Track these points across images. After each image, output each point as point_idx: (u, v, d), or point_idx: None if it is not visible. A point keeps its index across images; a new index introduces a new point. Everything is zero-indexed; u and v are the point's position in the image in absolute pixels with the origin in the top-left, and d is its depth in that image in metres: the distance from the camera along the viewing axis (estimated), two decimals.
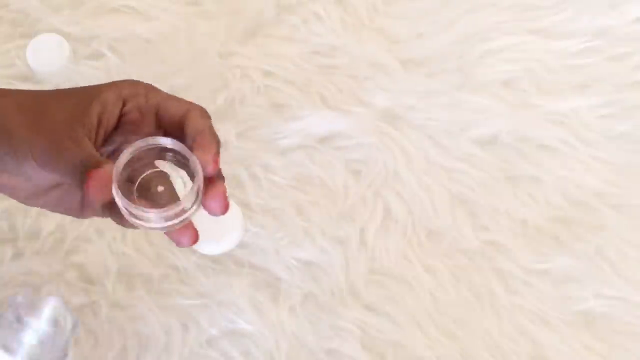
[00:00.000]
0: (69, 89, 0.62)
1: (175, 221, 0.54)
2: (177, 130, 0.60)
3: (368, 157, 0.82)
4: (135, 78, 0.80)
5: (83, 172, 0.55)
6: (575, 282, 0.76)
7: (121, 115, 0.60)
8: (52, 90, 0.61)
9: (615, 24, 0.90)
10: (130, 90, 0.61)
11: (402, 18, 0.90)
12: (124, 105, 0.61)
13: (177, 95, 0.87)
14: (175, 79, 0.85)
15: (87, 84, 0.80)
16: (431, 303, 0.75)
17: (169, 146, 0.56)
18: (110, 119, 0.60)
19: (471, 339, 0.73)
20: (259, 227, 0.77)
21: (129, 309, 0.73)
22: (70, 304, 0.74)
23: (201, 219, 0.74)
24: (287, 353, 0.72)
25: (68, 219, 0.77)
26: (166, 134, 0.60)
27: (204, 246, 0.75)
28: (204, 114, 0.62)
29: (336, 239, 0.78)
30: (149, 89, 0.62)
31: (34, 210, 0.77)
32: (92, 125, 0.59)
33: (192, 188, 0.55)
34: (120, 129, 0.60)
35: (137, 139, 0.55)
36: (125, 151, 0.54)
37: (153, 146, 0.56)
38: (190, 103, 0.62)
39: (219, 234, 0.76)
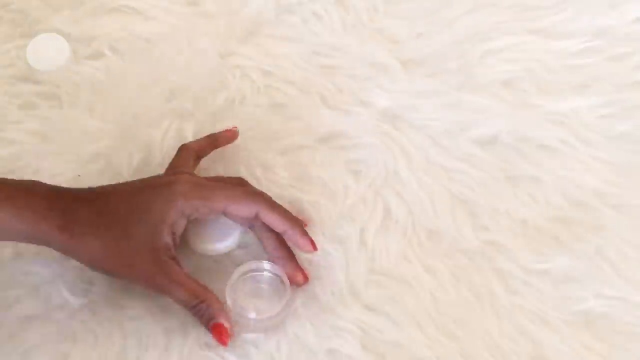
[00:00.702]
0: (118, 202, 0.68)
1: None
2: (249, 222, 0.72)
3: (368, 157, 0.82)
4: (135, 78, 0.81)
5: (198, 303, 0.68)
6: (575, 282, 0.76)
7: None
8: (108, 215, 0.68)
9: (615, 24, 0.90)
10: (191, 206, 0.68)
11: (402, 18, 0.90)
12: (188, 218, 0.69)
13: (178, 95, 0.87)
14: (175, 79, 0.85)
15: (87, 84, 0.82)
16: (431, 303, 0.75)
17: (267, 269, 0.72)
18: (179, 232, 0.69)
19: (471, 339, 0.73)
20: None
21: (129, 309, 0.73)
22: (70, 304, 0.74)
23: (201, 219, 0.73)
24: (287, 353, 0.72)
25: None
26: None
27: (204, 246, 0.75)
28: (274, 207, 0.71)
29: (336, 239, 0.77)
30: (207, 198, 0.69)
31: None
32: (170, 246, 0.68)
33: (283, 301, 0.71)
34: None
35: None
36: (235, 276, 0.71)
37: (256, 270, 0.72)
38: (257, 200, 0.70)
39: (218, 234, 0.76)
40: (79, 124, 0.83)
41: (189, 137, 0.82)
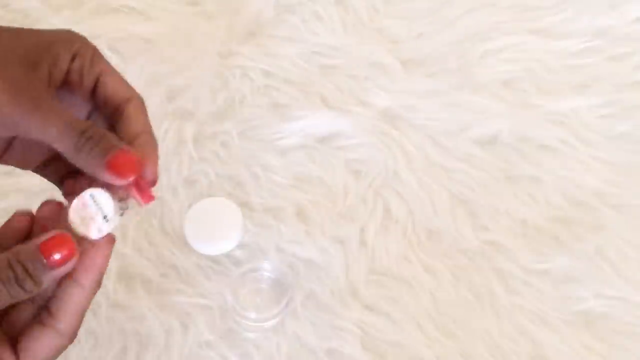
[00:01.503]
0: (14, 29, 0.54)
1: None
2: (111, 113, 0.55)
3: (368, 157, 0.82)
4: (135, 78, 0.80)
5: (83, 140, 0.49)
6: (575, 282, 0.76)
7: (67, 72, 0.54)
8: None
9: (615, 24, 0.90)
10: (79, 47, 0.54)
11: (402, 18, 0.90)
12: (71, 61, 0.54)
13: (178, 95, 0.87)
14: (175, 79, 0.85)
15: None
16: (431, 303, 0.75)
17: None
18: (58, 76, 0.54)
19: (471, 339, 0.73)
20: (259, 227, 0.77)
21: (129, 309, 0.73)
22: None
23: (200, 218, 0.74)
24: (287, 353, 0.72)
25: None
26: (99, 109, 0.55)
27: (204, 246, 0.75)
28: (144, 108, 0.55)
29: (336, 239, 0.77)
30: (95, 53, 0.55)
31: (34, 210, 0.77)
32: (44, 77, 0.52)
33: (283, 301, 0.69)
34: (60, 90, 0.54)
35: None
36: None
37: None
38: (131, 89, 0.55)
39: (218, 234, 0.76)
40: None
41: (189, 137, 0.82)
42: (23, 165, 0.56)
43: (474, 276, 0.76)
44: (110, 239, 0.52)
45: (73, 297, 0.51)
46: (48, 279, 0.49)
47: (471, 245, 0.78)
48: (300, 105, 0.85)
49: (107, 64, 0.55)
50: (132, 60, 0.87)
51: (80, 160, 0.50)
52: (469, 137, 0.83)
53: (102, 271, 0.52)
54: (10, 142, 0.55)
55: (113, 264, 0.76)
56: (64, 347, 0.51)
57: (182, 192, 0.79)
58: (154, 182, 0.52)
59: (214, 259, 0.76)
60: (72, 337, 0.51)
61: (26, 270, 0.48)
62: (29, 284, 0.48)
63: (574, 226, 0.79)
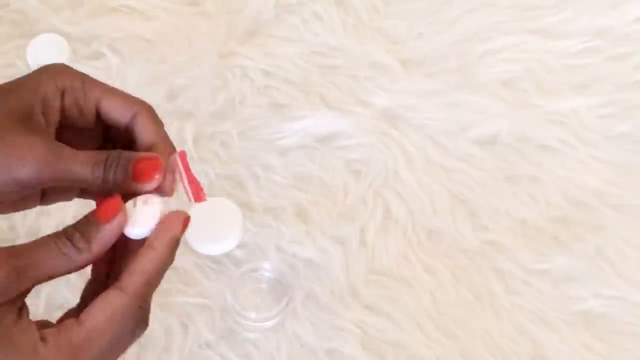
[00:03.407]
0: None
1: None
2: (123, 135, 0.55)
3: (368, 157, 0.82)
4: (135, 78, 0.80)
5: (104, 170, 0.52)
6: (575, 282, 0.76)
7: (62, 110, 0.54)
8: None
9: (615, 24, 0.90)
10: (64, 81, 0.54)
11: (402, 18, 0.90)
12: (62, 98, 0.54)
13: (178, 95, 0.87)
14: (175, 79, 0.85)
15: None
16: (431, 303, 0.75)
17: None
18: (54, 118, 0.54)
19: (471, 339, 0.73)
20: (259, 227, 0.77)
21: None
22: (70, 304, 0.74)
23: (200, 218, 0.73)
24: (287, 353, 0.72)
25: (69, 218, 0.77)
26: (109, 136, 0.56)
27: (204, 246, 0.75)
28: (152, 116, 0.56)
29: (336, 239, 0.77)
30: (85, 80, 0.54)
31: (34, 210, 0.77)
32: (41, 126, 0.53)
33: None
34: (64, 128, 0.54)
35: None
36: None
37: None
38: (135, 103, 0.55)
39: (218, 234, 0.75)
40: None
41: (189, 137, 0.82)
42: (65, 199, 0.58)
43: (474, 276, 0.76)
44: (185, 214, 0.56)
45: (141, 257, 0.51)
46: (98, 236, 0.50)
47: (471, 245, 0.78)
48: (300, 105, 0.85)
49: (101, 86, 0.55)
50: (132, 60, 0.87)
51: (109, 187, 0.52)
52: (469, 137, 0.83)
53: (175, 237, 0.54)
54: (43, 192, 0.57)
55: None
56: (128, 308, 0.51)
57: (182, 191, 0.79)
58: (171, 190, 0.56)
59: (214, 259, 0.76)
60: (138, 297, 0.51)
61: (75, 227, 0.50)
62: (79, 241, 0.50)
63: (574, 226, 0.79)
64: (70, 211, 0.78)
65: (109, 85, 0.55)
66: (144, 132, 0.55)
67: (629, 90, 0.86)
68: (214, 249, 0.76)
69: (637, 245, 0.78)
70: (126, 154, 0.53)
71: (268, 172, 0.81)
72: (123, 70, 0.86)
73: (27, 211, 0.77)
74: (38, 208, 0.78)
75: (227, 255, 0.75)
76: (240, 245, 0.76)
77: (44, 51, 0.85)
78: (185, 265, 0.75)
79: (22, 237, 0.77)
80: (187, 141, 0.82)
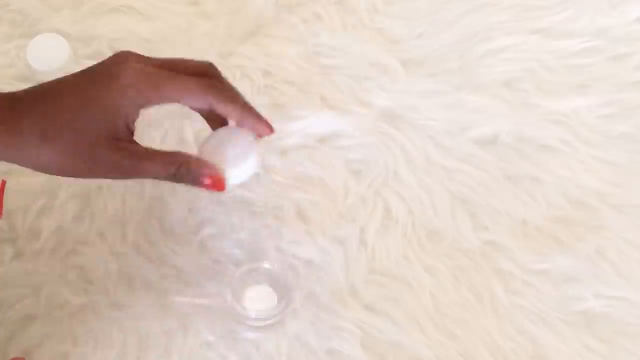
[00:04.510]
0: (62, 95, 0.63)
1: None
2: (206, 112, 0.68)
3: (368, 157, 0.82)
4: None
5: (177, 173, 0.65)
6: (575, 282, 0.76)
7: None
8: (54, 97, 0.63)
9: (616, 24, 0.90)
10: (142, 97, 0.64)
11: (402, 18, 0.90)
12: (142, 106, 0.65)
13: None
14: None
15: None
16: (431, 303, 0.75)
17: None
18: (134, 121, 0.65)
19: (471, 339, 0.73)
20: (259, 227, 0.77)
21: (129, 309, 0.73)
22: (70, 304, 0.74)
23: (219, 150, 0.69)
24: (287, 353, 0.72)
25: (69, 219, 0.77)
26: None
27: (229, 175, 0.71)
28: (226, 97, 0.66)
29: (336, 239, 0.77)
30: (158, 86, 0.64)
31: (34, 210, 0.77)
32: (128, 136, 0.65)
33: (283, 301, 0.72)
34: None
35: None
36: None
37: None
38: (208, 88, 0.66)
39: (234, 159, 0.71)
40: None
41: (189, 137, 0.82)
42: None
43: (474, 276, 0.76)
44: None
45: None
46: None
47: (471, 245, 0.78)
48: (300, 105, 0.85)
49: (173, 84, 0.65)
50: None
51: (178, 183, 0.66)
52: (469, 137, 0.83)
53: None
54: None
55: (113, 264, 0.76)
56: None
57: (182, 192, 0.79)
58: (271, 130, 0.68)
59: (213, 259, 0.76)
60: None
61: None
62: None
63: (574, 226, 0.79)
64: (70, 212, 0.78)
65: (181, 82, 0.65)
66: (226, 115, 0.67)
67: (629, 90, 0.86)
68: (239, 175, 0.71)
69: (637, 245, 0.78)
70: (195, 170, 0.65)
71: (268, 172, 0.81)
72: None
73: (28, 211, 0.77)
74: (38, 207, 0.78)
75: (227, 255, 0.75)
76: (240, 245, 0.76)
77: (44, 51, 0.85)
78: (185, 265, 0.75)
79: (22, 237, 0.77)
80: (187, 141, 0.82)
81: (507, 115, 0.84)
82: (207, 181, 0.65)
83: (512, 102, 0.85)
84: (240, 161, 0.67)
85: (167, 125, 0.83)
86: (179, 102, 0.66)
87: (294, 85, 0.86)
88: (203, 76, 0.67)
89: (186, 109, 0.84)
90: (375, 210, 0.79)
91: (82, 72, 0.66)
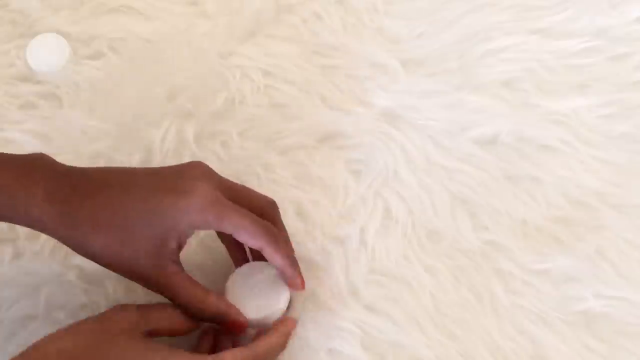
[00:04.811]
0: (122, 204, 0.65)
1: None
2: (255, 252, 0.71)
3: (368, 157, 0.82)
4: (135, 78, 0.80)
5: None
6: (575, 282, 0.76)
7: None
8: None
9: (616, 24, 0.90)
10: (203, 222, 0.66)
11: (402, 18, 0.90)
12: (197, 229, 0.68)
13: (178, 95, 0.87)
14: (175, 79, 0.85)
15: (87, 84, 0.81)
16: (431, 303, 0.75)
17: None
18: (184, 242, 0.67)
19: (471, 339, 0.73)
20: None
21: None
22: (70, 304, 0.74)
23: (251, 292, 0.72)
24: (287, 353, 0.72)
25: None
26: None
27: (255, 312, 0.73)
28: (277, 246, 0.68)
29: (336, 239, 0.77)
30: (221, 215, 0.66)
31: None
32: (175, 252, 0.67)
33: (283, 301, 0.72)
34: None
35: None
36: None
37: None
38: (264, 234, 0.68)
39: (266, 297, 0.73)
40: (79, 124, 0.83)
41: (189, 137, 0.82)
42: None
43: (474, 276, 0.76)
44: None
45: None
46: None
47: (471, 245, 0.78)
48: (300, 105, 0.85)
49: (232, 219, 0.67)
50: (132, 60, 0.87)
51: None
52: (469, 137, 0.83)
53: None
54: None
55: None
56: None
57: None
58: (304, 288, 0.72)
59: (213, 260, 0.76)
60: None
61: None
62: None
63: (574, 226, 0.79)
64: None
65: (242, 219, 0.67)
66: (270, 260, 0.70)
67: (629, 90, 0.86)
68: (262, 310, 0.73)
69: (637, 245, 0.78)
70: (229, 322, 0.69)
71: (268, 172, 0.81)
72: (123, 70, 0.86)
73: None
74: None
75: (227, 255, 0.75)
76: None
77: (44, 51, 0.85)
78: (185, 265, 0.75)
79: (22, 237, 0.77)
80: (187, 141, 0.82)
81: (507, 115, 0.84)
82: (235, 330, 0.69)
83: (512, 102, 0.85)
84: (272, 301, 0.72)
85: (167, 125, 0.83)
86: (232, 234, 0.68)
87: (294, 85, 0.86)
88: (262, 213, 0.70)
89: (186, 109, 0.84)
90: (375, 210, 0.79)
91: (155, 172, 0.68)
